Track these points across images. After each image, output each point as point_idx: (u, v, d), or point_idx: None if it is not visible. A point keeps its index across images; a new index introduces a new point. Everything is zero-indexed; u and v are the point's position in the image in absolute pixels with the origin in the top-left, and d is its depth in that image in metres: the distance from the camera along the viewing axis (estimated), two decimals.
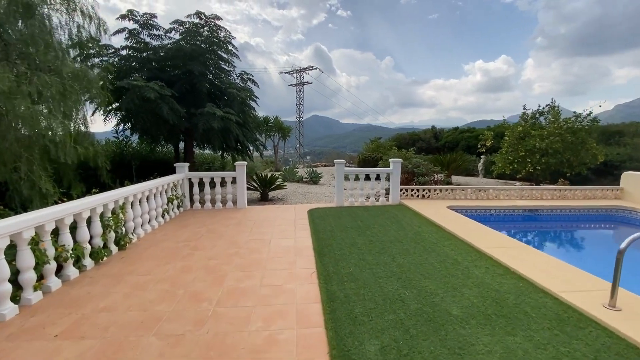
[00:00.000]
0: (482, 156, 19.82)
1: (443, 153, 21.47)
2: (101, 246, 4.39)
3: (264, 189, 10.16)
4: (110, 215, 4.66)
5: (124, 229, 4.98)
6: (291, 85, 45.45)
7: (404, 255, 4.51)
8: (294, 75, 44.87)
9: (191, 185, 7.82)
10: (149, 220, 5.99)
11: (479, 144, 16.63)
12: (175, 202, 7.15)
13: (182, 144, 10.06)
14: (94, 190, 4.79)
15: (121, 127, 8.44)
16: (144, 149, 10.46)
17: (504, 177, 16.39)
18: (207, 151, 12.27)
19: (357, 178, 8.69)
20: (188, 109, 7.99)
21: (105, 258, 4.40)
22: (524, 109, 15.11)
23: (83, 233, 4.10)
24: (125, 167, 9.14)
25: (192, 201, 7.87)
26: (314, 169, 16.43)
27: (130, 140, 10.06)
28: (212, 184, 7.86)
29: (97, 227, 4.36)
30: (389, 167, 8.33)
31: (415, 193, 8.47)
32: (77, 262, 4.03)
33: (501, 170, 14.79)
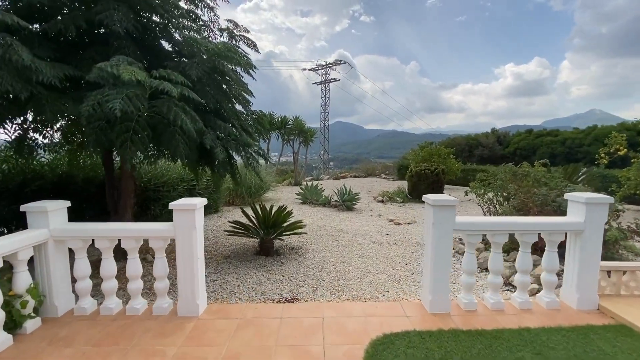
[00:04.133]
0: (583, 169, 14.07)
1: (515, 164, 15.86)
2: None
3: (266, 238, 5.40)
4: None
5: None
6: (315, 83, 40.90)
7: None
8: (319, 72, 40.29)
9: (72, 255, 3.18)
10: None
11: (600, 152, 10.99)
12: None
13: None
14: None
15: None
16: (65, 161, 5.98)
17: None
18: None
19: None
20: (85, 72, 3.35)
21: None
22: None
23: None
24: (14, 196, 4.72)
25: (76, 294, 3.21)
26: (347, 187, 11.45)
27: (39, 148, 5.53)
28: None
29: None
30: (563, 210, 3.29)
31: (629, 281, 3.32)
32: None
33: None
